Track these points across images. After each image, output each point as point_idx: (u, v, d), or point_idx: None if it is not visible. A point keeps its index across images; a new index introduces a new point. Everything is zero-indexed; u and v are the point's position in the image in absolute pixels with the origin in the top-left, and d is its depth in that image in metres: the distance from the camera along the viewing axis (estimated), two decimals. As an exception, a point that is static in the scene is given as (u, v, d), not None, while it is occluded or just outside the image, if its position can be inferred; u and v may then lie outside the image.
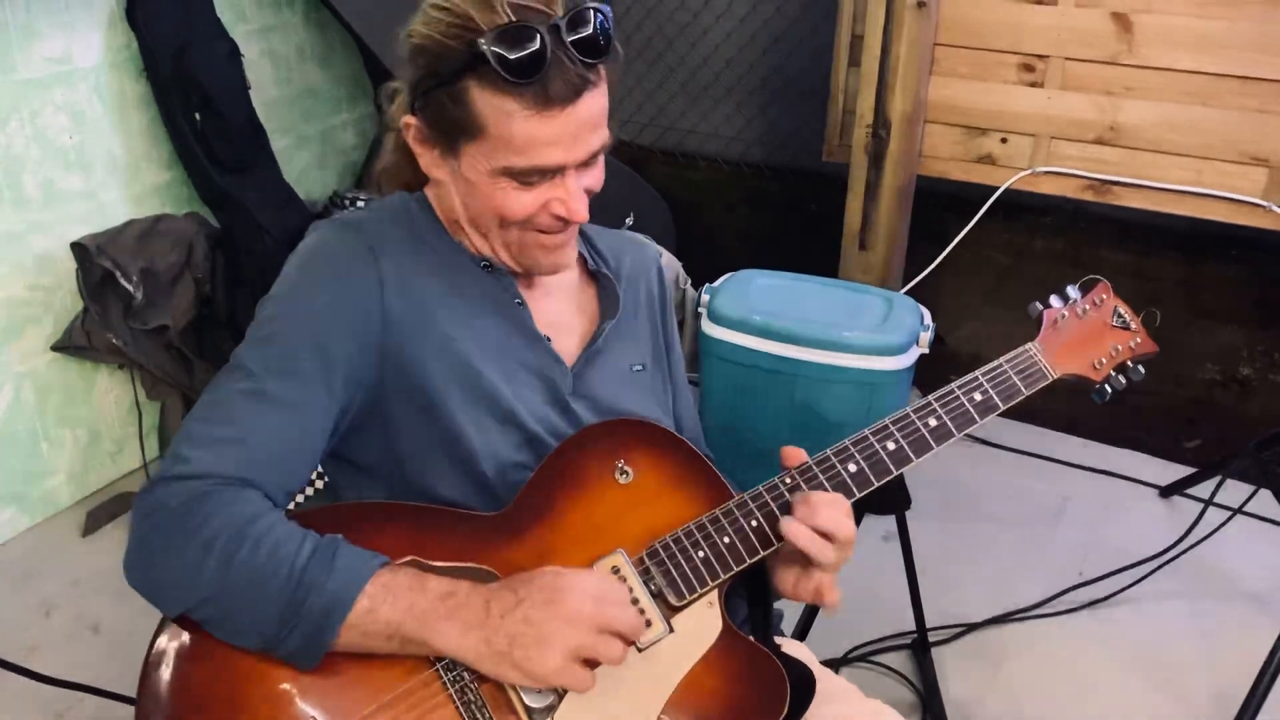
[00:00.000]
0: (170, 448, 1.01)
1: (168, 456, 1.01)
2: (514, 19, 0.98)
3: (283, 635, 0.94)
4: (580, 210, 1.07)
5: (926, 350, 2.38)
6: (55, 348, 2.43)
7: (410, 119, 1.09)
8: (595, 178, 1.10)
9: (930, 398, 1.15)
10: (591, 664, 0.96)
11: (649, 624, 1.04)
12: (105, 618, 2.20)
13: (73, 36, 2.35)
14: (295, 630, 0.94)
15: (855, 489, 1.11)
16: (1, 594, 2.27)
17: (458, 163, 1.08)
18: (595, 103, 1.03)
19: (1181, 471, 2.63)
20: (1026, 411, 1.19)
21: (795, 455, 1.13)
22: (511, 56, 0.97)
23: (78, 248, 2.37)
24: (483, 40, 0.98)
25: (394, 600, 0.96)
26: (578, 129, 1.03)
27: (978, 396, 1.16)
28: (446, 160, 1.10)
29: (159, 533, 0.97)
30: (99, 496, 2.56)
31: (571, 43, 0.99)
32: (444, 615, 0.96)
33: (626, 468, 1.11)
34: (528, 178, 1.05)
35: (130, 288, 2.38)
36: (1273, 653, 1.95)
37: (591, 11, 1.00)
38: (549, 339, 1.18)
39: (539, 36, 0.97)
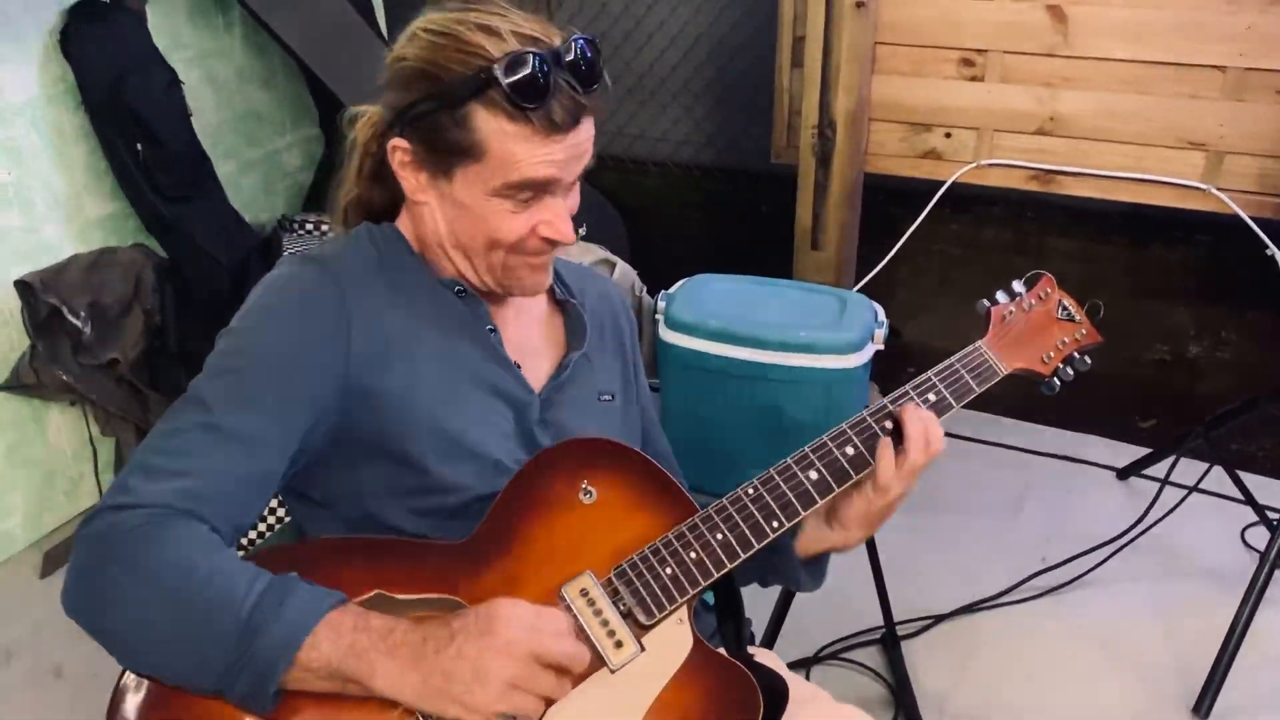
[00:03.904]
0: (117, 477, 0.99)
1: (113, 486, 0.99)
2: (520, 48, 1.02)
3: (230, 678, 0.92)
4: (569, 231, 1.10)
5: (882, 346, 2.40)
6: (3, 387, 2.38)
7: (399, 142, 1.09)
8: (576, 199, 1.13)
9: (885, 401, 1.16)
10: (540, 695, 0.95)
11: (620, 644, 1.04)
12: (68, 661, 2.15)
13: (4, 70, 2.31)
14: (243, 673, 0.92)
15: (817, 495, 1.12)
16: (-40, 643, 2.22)
17: (450, 185, 1.08)
18: (590, 128, 1.08)
19: (1137, 453, 2.67)
20: (983, 400, 1.21)
21: None
22: (522, 84, 1.01)
23: (22, 285, 2.33)
24: (495, 67, 1.01)
25: (337, 639, 0.93)
26: (574, 154, 1.07)
27: (932, 397, 1.18)
28: (436, 183, 1.10)
29: (100, 567, 0.95)
30: (56, 536, 2.52)
31: (571, 71, 1.03)
32: (384, 653, 0.94)
33: (590, 488, 1.11)
34: (523, 196, 1.07)
35: (78, 323, 2.34)
36: (1233, 626, 1.99)
37: (585, 42, 1.05)
38: (519, 366, 1.18)
39: (544, 65, 1.01)
